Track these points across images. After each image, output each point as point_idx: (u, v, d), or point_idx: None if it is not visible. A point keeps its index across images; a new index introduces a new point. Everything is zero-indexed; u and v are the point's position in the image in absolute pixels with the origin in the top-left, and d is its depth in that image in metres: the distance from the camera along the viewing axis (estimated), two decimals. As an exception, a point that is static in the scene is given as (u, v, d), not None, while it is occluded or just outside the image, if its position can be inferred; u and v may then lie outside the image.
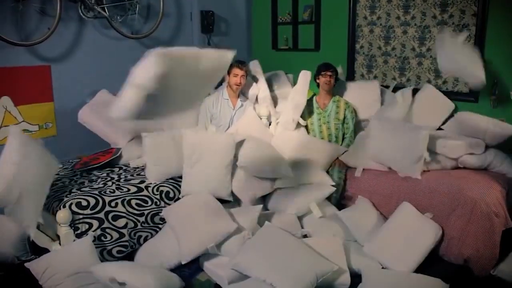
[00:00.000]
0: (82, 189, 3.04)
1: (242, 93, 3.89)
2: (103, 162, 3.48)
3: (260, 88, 3.92)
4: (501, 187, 2.97)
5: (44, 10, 3.46)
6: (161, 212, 3.15)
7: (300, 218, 3.30)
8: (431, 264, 3.06)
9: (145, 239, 3.09)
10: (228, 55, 2.20)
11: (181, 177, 3.33)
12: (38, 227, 3.12)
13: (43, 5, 3.45)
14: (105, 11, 3.70)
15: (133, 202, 3.08)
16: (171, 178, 3.35)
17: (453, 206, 3.01)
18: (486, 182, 3.00)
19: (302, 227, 3.25)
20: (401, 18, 3.90)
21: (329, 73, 3.69)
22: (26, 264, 2.66)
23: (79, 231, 2.81)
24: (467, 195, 2.96)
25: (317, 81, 3.77)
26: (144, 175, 3.36)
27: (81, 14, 3.64)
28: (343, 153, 3.64)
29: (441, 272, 2.99)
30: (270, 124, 3.95)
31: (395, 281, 2.59)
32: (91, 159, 3.57)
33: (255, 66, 4.06)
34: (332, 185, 3.42)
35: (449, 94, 3.73)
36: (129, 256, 2.99)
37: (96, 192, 3.00)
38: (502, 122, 3.19)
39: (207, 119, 3.82)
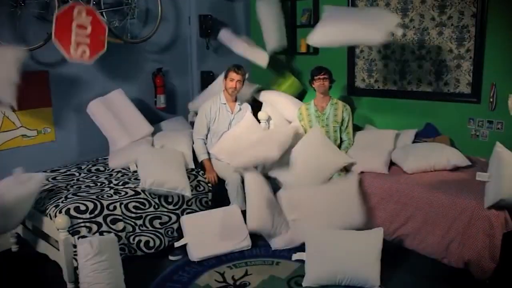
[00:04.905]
0: (79, 194, 3.03)
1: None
2: None
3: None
4: (501, 190, 2.94)
5: (42, 15, 3.46)
6: (161, 217, 3.17)
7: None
8: (431, 267, 3.04)
9: (146, 244, 3.08)
10: None
11: None
12: (36, 234, 3.12)
13: (41, 11, 3.45)
14: (103, 16, 3.69)
15: (131, 205, 3.08)
16: None
17: (453, 208, 2.99)
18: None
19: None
20: (400, 21, 3.88)
21: (321, 77, 3.71)
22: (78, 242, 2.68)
23: (79, 235, 2.81)
24: (467, 197, 2.94)
25: (313, 85, 3.78)
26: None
27: (80, 19, 3.64)
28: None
29: (442, 275, 2.97)
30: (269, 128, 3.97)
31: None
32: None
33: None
34: None
35: (451, 95, 3.71)
36: (128, 261, 2.98)
37: (94, 196, 3.00)
38: None
39: (201, 124, 3.80)
